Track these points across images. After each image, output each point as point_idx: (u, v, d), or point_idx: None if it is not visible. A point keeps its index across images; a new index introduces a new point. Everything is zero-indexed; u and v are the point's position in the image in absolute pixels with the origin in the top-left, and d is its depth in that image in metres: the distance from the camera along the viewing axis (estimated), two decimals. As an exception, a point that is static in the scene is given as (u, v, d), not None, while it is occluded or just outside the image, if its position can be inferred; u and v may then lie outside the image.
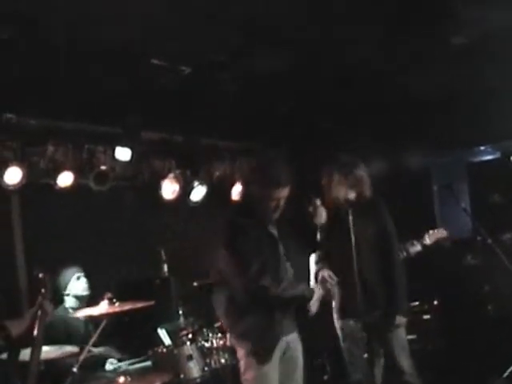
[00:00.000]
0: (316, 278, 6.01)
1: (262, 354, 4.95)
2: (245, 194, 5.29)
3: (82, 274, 6.87)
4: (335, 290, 5.80)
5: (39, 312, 4.27)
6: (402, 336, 5.94)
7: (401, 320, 5.86)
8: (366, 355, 5.83)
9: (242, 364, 5.08)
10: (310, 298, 5.12)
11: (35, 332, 4.26)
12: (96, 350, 6.43)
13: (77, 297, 6.79)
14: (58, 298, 6.74)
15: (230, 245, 4.99)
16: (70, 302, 6.80)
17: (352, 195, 5.95)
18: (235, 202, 8.56)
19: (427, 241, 6.61)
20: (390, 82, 7.43)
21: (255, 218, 5.07)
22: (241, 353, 5.09)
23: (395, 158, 8.74)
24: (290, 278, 5.21)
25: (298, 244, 5.64)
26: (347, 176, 5.92)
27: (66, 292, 6.78)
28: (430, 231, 6.68)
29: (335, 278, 5.68)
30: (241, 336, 5.07)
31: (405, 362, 5.88)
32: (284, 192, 5.02)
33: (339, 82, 7.33)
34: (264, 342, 4.97)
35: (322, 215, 5.41)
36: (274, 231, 5.25)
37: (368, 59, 6.74)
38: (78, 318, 6.60)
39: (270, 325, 4.98)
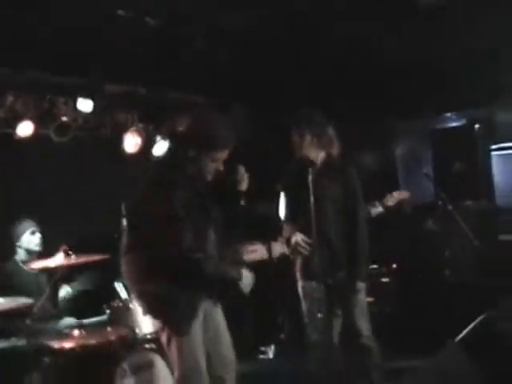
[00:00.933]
0: (288, 243, 6.01)
1: (180, 329, 4.69)
2: (179, 151, 4.84)
3: (37, 229, 6.81)
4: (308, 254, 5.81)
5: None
6: (362, 299, 5.94)
7: (360, 285, 5.88)
8: (321, 315, 5.80)
9: (162, 334, 4.82)
10: (239, 280, 4.82)
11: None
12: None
13: (28, 251, 6.73)
14: (10, 249, 6.71)
15: (164, 205, 4.57)
16: (20, 254, 6.74)
17: (322, 155, 5.92)
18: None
19: (389, 202, 6.58)
20: (356, 47, 7.38)
21: (189, 179, 4.76)
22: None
23: (360, 123, 8.69)
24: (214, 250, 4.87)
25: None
26: (320, 136, 5.89)
27: (19, 244, 6.72)
28: (393, 192, 6.65)
29: (309, 242, 5.69)
30: (157, 308, 4.78)
31: (363, 325, 5.90)
32: (225, 154, 4.81)
33: (303, 45, 7.28)
34: (182, 315, 4.68)
35: (245, 182, 5.15)
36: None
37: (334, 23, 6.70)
38: (29, 271, 6.56)
39: (191, 298, 4.70)
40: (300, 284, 6.10)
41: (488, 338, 6.01)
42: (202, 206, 4.80)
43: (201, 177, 4.81)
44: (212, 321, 4.95)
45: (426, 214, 8.76)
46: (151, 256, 4.65)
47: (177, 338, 4.70)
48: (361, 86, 8.27)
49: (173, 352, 4.75)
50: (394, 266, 8.72)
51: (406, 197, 6.77)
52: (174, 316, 4.69)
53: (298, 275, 6.09)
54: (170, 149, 5.05)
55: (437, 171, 8.76)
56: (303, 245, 5.72)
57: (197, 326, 4.75)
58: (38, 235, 6.79)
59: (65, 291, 6.77)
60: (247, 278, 4.87)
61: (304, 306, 6.07)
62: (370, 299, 8.24)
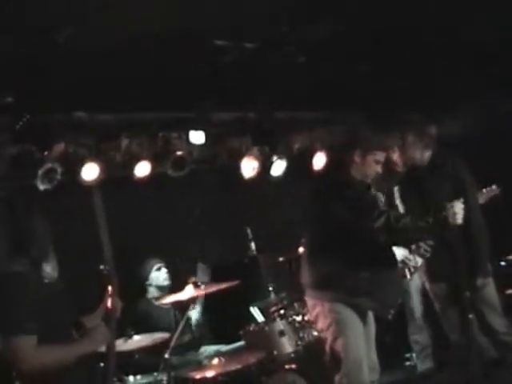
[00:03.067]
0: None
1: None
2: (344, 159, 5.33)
3: (163, 264, 6.97)
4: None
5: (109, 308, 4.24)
6: (489, 295, 5.78)
7: (484, 281, 5.69)
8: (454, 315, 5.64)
9: (328, 333, 5.15)
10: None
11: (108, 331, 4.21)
12: None
13: (159, 287, 6.91)
14: (141, 288, 6.88)
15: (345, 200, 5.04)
16: (152, 292, 6.91)
17: (427, 154, 5.80)
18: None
19: (480, 200, 6.36)
20: (462, 32, 7.15)
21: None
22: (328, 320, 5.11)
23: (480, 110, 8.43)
24: None
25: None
26: (421, 136, 5.79)
27: (148, 282, 6.90)
28: (483, 190, 6.47)
29: (430, 243, 5.61)
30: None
31: (496, 322, 5.74)
32: (383, 156, 5.23)
33: (410, 41, 7.10)
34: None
35: None
36: None
37: (434, 14, 6.50)
38: (162, 307, 6.70)
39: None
40: (428, 286, 5.99)
41: None
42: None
43: (365, 178, 5.24)
44: (368, 326, 5.28)
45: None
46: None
47: (343, 337, 5.03)
48: (475, 72, 8.01)
49: (337, 349, 5.07)
50: (535, 253, 8.39)
51: (496, 192, 6.62)
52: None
53: (425, 278, 5.99)
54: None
55: None
56: (425, 247, 5.61)
57: (360, 328, 5.13)
58: (164, 270, 6.96)
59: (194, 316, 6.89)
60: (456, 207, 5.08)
61: (437, 307, 5.97)
62: (512, 291, 8.06)
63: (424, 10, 6.32)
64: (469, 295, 5.55)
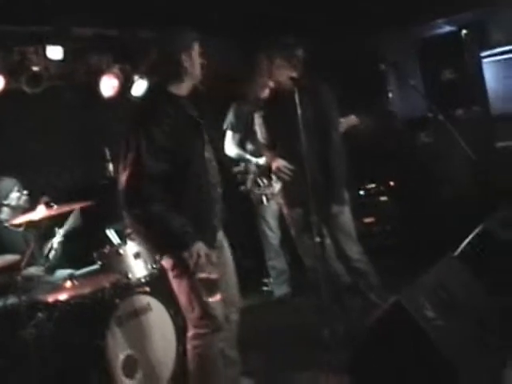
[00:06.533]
0: (269, 169, 5.89)
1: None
2: None
3: (22, 185, 6.64)
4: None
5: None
6: (345, 222, 5.84)
7: (339, 208, 5.74)
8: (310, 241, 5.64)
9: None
10: None
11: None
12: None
13: (14, 208, 6.54)
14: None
15: None
16: (4, 213, 6.56)
17: (293, 77, 5.71)
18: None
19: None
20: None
21: None
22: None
23: (340, 37, 8.39)
24: None
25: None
26: (289, 58, 5.70)
27: (6, 202, 6.53)
28: (342, 119, 6.38)
29: (291, 167, 5.57)
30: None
31: (352, 249, 5.83)
32: None
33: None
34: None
35: None
36: None
37: None
38: (14, 228, 6.43)
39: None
40: (285, 211, 5.99)
41: (487, 247, 5.94)
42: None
43: None
44: (220, 261, 4.82)
45: (419, 128, 8.57)
46: None
47: (187, 278, 4.57)
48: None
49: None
50: (392, 183, 8.60)
51: (355, 122, 6.57)
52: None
53: (283, 202, 5.98)
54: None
55: (426, 82, 8.51)
56: (284, 170, 5.58)
57: None
58: (24, 192, 6.63)
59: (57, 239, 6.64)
60: None
61: (293, 233, 5.99)
62: (369, 219, 8.30)
63: None
64: (321, 221, 5.60)
